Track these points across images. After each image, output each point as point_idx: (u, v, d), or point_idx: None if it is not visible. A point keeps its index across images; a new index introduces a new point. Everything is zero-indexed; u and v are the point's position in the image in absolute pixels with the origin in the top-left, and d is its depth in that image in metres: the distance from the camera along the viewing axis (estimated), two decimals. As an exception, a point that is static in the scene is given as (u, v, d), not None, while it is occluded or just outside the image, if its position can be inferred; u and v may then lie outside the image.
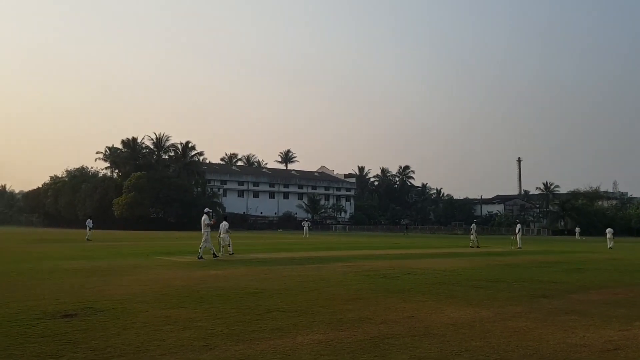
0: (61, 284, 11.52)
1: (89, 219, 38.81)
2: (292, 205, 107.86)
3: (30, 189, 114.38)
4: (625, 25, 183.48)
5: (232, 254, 20.88)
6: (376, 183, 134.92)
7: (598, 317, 8.19)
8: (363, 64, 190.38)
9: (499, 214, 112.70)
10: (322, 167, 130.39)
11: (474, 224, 35.36)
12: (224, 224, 21.12)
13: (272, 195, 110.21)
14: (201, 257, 18.80)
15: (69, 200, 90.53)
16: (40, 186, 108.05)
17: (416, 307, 8.92)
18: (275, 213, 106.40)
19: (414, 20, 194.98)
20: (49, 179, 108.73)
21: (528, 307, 9.06)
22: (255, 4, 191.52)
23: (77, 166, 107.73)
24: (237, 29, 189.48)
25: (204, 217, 19.98)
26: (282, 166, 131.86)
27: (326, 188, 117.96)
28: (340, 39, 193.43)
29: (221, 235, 20.74)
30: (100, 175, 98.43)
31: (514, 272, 15.68)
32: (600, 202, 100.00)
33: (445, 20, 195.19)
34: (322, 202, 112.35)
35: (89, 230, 37.02)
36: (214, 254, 19.43)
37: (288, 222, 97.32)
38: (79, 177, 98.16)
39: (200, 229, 20.02)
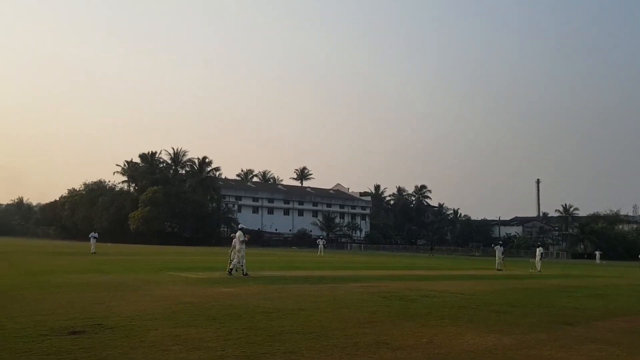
0: (72, 299, 11.34)
1: (94, 232, 38.64)
2: (307, 223, 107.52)
3: (48, 202, 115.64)
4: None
5: (246, 274, 19.24)
6: (392, 202, 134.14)
7: (626, 347, 7.79)
8: (380, 82, 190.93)
9: (517, 235, 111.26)
10: (338, 184, 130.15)
11: (498, 246, 34.00)
12: (239, 234, 19.85)
13: (286, 212, 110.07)
14: (232, 274, 18.67)
15: (85, 214, 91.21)
16: (58, 199, 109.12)
17: (435, 332, 8.56)
18: (290, 230, 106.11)
19: (431, 36, 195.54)
20: (67, 192, 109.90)
21: (552, 335, 8.67)
22: (271, 20, 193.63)
23: (95, 179, 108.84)
24: (256, 45, 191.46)
25: (239, 233, 19.55)
26: (297, 183, 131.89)
27: (341, 206, 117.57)
28: (356, 55, 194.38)
29: (236, 247, 19.45)
30: (118, 189, 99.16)
31: (535, 296, 15.21)
32: (620, 226, 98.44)
33: (462, 36, 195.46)
34: (337, 220, 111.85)
35: (93, 243, 36.79)
36: (234, 271, 19.01)
37: (302, 240, 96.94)
38: (97, 191, 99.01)
39: (230, 245, 19.99)
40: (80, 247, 37.42)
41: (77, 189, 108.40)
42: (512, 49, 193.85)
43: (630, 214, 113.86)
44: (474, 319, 10.17)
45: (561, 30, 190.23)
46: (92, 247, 36.40)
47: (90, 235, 37.96)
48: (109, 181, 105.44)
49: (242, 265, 19.12)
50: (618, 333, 9.07)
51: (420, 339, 7.96)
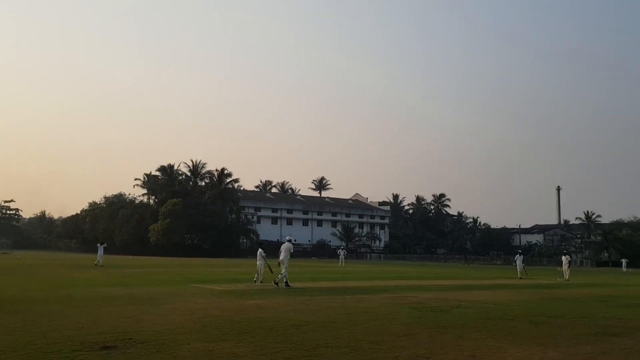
0: (99, 313, 11.20)
1: (102, 244, 38.60)
2: (326, 233, 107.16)
3: (69, 215, 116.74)
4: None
5: (262, 282, 20.46)
6: (411, 211, 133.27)
7: (681, 361, 7.38)
8: (398, 91, 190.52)
9: (538, 244, 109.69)
10: (356, 194, 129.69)
11: (519, 255, 33.74)
12: (260, 252, 20.99)
13: (305, 222, 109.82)
14: (285, 284, 19.05)
15: (106, 226, 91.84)
16: (79, 212, 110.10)
17: (475, 345, 8.22)
18: (309, 241, 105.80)
19: (451, 45, 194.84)
20: (88, 205, 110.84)
21: (599, 347, 8.27)
22: (288, 31, 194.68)
23: (115, 192, 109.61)
24: (273, 56, 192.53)
25: (289, 245, 19.99)
26: (315, 193, 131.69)
27: (360, 216, 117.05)
28: (374, 64, 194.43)
29: (281, 259, 19.82)
30: (137, 201, 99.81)
31: (570, 306, 14.75)
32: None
33: (483, 45, 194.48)
34: (356, 230, 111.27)
35: (101, 254, 36.68)
36: (280, 282, 19.26)
37: (322, 250, 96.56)
38: (117, 204, 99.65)
39: (256, 258, 21.12)
40: (103, 260, 37.53)
41: (98, 202, 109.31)
42: (532, 58, 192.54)
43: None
44: (513, 330, 9.79)
45: (581, 37, 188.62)
46: (98, 258, 36.20)
47: (98, 245, 38.00)
48: (129, 194, 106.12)
49: (285, 276, 19.38)
50: (668, 345, 8.63)
51: (462, 352, 7.63)
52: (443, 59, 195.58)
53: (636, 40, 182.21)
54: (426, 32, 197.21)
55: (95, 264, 35.17)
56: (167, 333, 8.65)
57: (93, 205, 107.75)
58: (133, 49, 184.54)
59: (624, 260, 64.58)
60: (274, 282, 19.33)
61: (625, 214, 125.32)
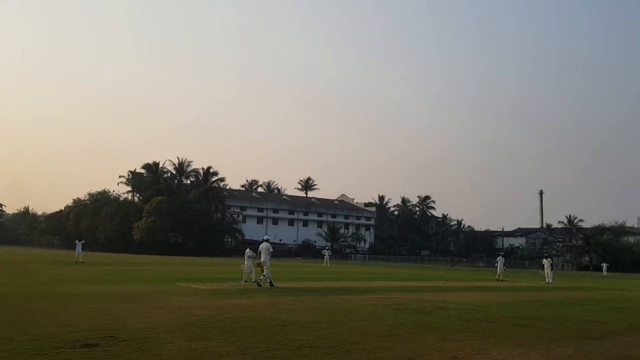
0: (81, 310, 11.11)
1: (80, 240, 38.23)
2: (312, 234, 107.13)
3: (53, 211, 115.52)
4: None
5: (246, 281, 20.58)
6: (396, 213, 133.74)
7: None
8: (386, 93, 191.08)
9: (521, 247, 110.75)
10: (342, 195, 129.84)
11: (500, 257, 34.21)
12: (267, 246, 20.30)
13: (291, 222, 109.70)
14: (269, 284, 18.95)
15: (90, 223, 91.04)
16: (63, 209, 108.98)
17: (458, 346, 8.29)
18: (294, 241, 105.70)
19: (437, 48, 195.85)
20: (72, 201, 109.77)
21: (579, 350, 8.38)
22: (276, 32, 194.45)
23: (100, 189, 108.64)
24: (261, 56, 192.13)
25: (267, 245, 19.84)
26: (302, 194, 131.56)
27: (346, 217, 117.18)
28: (361, 66, 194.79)
29: (262, 260, 19.78)
30: (122, 199, 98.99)
31: (551, 309, 14.93)
32: (626, 238, 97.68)
33: (468, 49, 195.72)
34: (342, 230, 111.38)
35: (79, 251, 36.28)
36: (262, 282, 19.20)
37: (307, 250, 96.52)
38: (101, 201, 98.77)
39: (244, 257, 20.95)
40: (85, 256, 37.14)
41: (82, 199, 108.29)
42: (518, 62, 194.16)
43: (636, 225, 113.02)
44: (495, 332, 9.89)
45: (566, 43, 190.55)
46: (76, 255, 35.75)
47: (76, 242, 37.59)
48: (114, 191, 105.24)
49: (268, 277, 19.32)
50: (646, 348, 8.78)
51: (445, 354, 7.70)
52: (430, 61, 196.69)
53: (619, 46, 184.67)
54: (413, 34, 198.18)
55: (75, 261, 34.79)
56: (150, 331, 8.61)
57: (77, 202, 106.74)
58: (119, 47, 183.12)
59: (604, 265, 65.38)
60: (257, 283, 19.28)
61: (607, 219, 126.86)
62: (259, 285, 19.03)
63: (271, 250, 19.83)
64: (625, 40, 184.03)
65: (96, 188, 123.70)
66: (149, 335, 8.28)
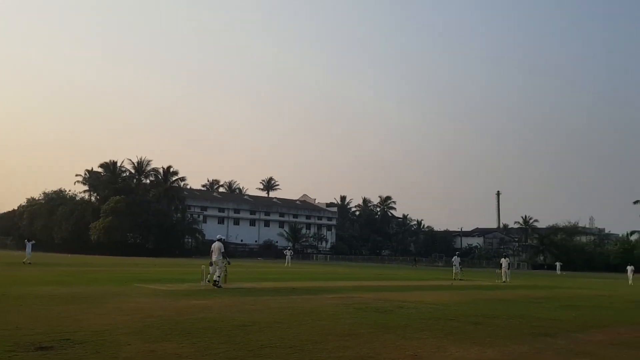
0: (36, 312, 10.80)
1: (30, 240, 37.18)
2: (273, 234, 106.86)
3: (5, 211, 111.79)
4: (602, 59, 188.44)
5: (220, 285, 18.99)
6: (357, 213, 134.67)
7: (611, 360, 7.79)
8: (347, 93, 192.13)
9: (478, 246, 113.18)
10: (304, 195, 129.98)
11: (456, 257, 34.89)
12: (219, 246, 19.55)
13: (252, 222, 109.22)
14: (219, 285, 18.40)
15: (44, 223, 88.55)
16: (16, 208, 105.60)
17: (417, 344, 8.41)
18: (256, 241, 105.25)
19: (400, 51, 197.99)
20: (25, 200, 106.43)
21: (534, 347, 8.62)
22: (240, 31, 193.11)
23: (55, 189, 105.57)
24: (221, 55, 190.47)
25: (219, 244, 19.38)
26: (263, 194, 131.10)
27: (308, 217, 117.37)
28: (323, 66, 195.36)
29: (214, 259, 19.16)
30: (78, 198, 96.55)
31: (508, 307, 15.30)
32: (578, 238, 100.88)
33: (430, 54, 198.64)
34: (304, 230, 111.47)
35: (29, 252, 35.17)
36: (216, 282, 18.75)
37: (269, 250, 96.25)
38: (56, 200, 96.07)
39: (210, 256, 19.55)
40: (40, 257, 36.10)
41: (36, 198, 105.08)
42: (479, 69, 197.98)
43: (588, 225, 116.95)
44: (453, 330, 10.08)
45: (523, 51, 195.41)
46: (26, 256, 34.67)
47: (26, 242, 36.55)
48: (70, 190, 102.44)
49: (219, 277, 18.92)
50: (598, 346, 9.07)
51: (404, 352, 7.80)
52: (394, 63, 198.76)
53: (576, 51, 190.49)
54: (375, 35, 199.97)
55: (24, 262, 33.61)
56: (108, 333, 8.44)
57: (31, 201, 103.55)
58: (75, 43, 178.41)
59: (558, 264, 67.36)
60: (214, 284, 18.79)
61: (561, 219, 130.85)
62: (217, 285, 18.70)
63: (222, 250, 19.35)
64: (582, 46, 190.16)
65: (51, 187, 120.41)
66: (107, 337, 8.12)
